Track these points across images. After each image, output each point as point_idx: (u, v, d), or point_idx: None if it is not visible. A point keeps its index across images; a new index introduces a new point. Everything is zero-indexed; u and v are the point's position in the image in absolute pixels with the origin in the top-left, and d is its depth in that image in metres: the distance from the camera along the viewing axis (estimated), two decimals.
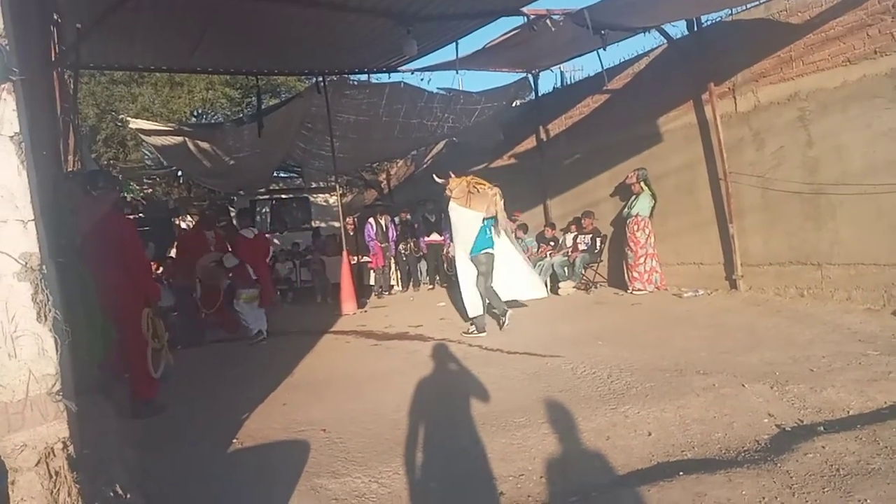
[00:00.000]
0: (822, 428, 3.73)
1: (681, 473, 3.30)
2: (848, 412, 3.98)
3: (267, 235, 11.20)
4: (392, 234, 13.07)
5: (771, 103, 7.81)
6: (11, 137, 2.30)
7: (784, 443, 3.59)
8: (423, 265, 13.66)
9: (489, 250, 7.56)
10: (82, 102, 15.26)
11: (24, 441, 2.25)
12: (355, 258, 12.55)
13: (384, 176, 20.31)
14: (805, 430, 3.74)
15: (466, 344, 7.02)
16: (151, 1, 6.76)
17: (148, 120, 13.67)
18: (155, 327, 5.08)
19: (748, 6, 7.87)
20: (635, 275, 9.43)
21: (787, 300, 7.52)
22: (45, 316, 2.31)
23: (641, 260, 9.38)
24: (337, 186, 12.99)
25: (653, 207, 9.44)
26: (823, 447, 3.41)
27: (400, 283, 13.42)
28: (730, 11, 8.15)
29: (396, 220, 13.53)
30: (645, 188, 9.42)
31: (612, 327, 7.28)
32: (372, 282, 13.14)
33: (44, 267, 2.34)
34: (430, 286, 13.23)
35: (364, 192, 21.43)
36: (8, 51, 2.31)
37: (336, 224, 13.65)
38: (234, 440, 4.31)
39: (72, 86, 8.49)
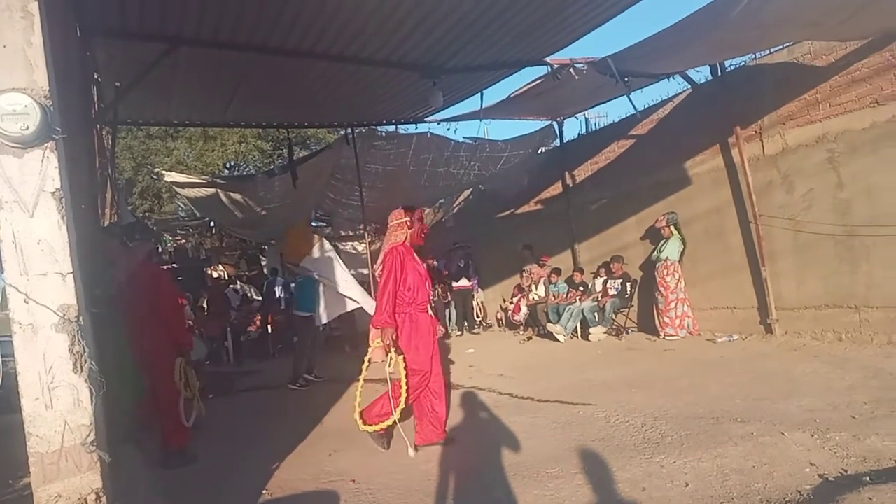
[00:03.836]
0: (867, 478, 3.57)
1: None
2: (894, 462, 3.82)
3: None
4: None
5: (799, 145, 7.77)
6: (53, 193, 2.39)
7: (828, 494, 3.43)
8: (451, 311, 13.64)
9: None
10: (119, 156, 15.77)
11: (59, 492, 2.27)
12: None
13: None
14: (850, 481, 3.58)
15: (496, 392, 6.93)
16: (187, 59, 7.04)
17: (182, 173, 14.05)
18: (187, 377, 5.12)
19: (771, 50, 7.92)
20: (666, 320, 9.29)
21: (825, 344, 7.32)
22: (81, 367, 2.35)
23: (672, 305, 9.25)
24: (366, 234, 13.10)
25: (682, 252, 9.35)
26: (870, 499, 3.26)
27: None
28: (753, 56, 8.18)
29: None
30: (675, 232, 9.36)
31: (645, 374, 7.13)
32: None
33: (81, 318, 2.39)
34: (459, 332, 13.19)
35: None
36: (52, 111, 2.42)
37: (364, 271, 13.72)
38: (265, 491, 4.27)
39: (110, 141, 8.80)
